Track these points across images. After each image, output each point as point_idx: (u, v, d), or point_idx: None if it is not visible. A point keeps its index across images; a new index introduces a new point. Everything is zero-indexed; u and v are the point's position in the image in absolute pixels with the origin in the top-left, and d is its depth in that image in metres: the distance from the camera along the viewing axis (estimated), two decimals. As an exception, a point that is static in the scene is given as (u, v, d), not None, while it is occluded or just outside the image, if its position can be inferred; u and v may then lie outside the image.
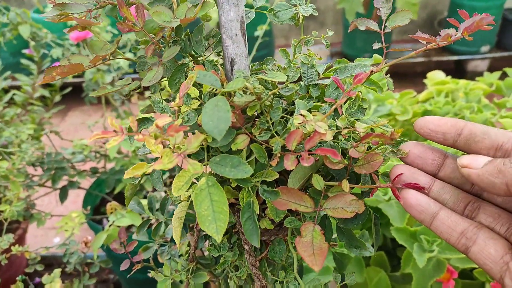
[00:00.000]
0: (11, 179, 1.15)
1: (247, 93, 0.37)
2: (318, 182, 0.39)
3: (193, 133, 0.44)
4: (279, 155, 0.37)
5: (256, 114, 0.40)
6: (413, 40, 3.17)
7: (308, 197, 0.39)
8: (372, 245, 0.48)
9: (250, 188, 0.40)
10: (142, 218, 1.06)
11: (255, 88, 0.36)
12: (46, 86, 1.67)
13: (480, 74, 2.89)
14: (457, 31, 0.39)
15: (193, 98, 0.42)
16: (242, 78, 0.37)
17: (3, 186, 1.24)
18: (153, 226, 0.61)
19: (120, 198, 1.55)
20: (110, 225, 0.96)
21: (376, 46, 0.42)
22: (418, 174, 0.39)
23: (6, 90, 1.62)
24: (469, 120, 1.10)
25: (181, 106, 0.36)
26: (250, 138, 0.39)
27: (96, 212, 1.54)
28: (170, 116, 0.41)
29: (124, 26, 0.42)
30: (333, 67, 0.49)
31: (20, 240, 1.64)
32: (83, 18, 0.46)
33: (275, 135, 0.38)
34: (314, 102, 0.43)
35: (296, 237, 0.37)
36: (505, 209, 0.37)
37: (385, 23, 0.43)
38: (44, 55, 1.63)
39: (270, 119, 0.38)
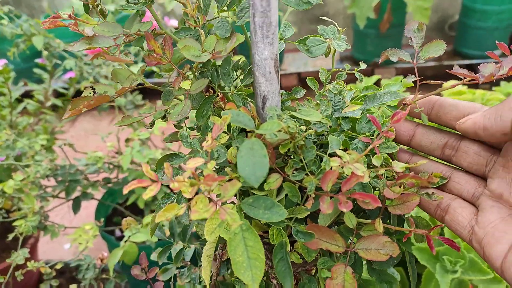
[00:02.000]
0: (26, 192, 1.15)
1: (281, 132, 0.36)
2: (350, 220, 0.38)
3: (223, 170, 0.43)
4: (314, 195, 0.36)
5: (287, 151, 0.39)
6: (424, 43, 3.15)
7: (339, 237, 0.38)
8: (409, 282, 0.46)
9: (281, 228, 0.39)
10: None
11: (289, 127, 0.35)
12: (58, 95, 1.67)
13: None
14: (497, 66, 0.38)
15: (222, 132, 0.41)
16: (276, 117, 0.36)
17: (17, 197, 1.24)
18: (174, 251, 0.60)
19: (132, 209, 1.55)
20: (125, 241, 0.96)
21: (410, 79, 0.41)
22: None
23: (18, 99, 1.62)
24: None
25: (213, 148, 0.35)
26: (283, 177, 0.38)
27: (108, 222, 1.54)
28: (198, 153, 0.41)
29: (152, 59, 0.41)
30: (361, 94, 0.48)
31: (33, 250, 1.64)
32: (110, 49, 0.45)
33: (309, 174, 0.37)
34: (344, 136, 0.42)
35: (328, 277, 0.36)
36: (472, 174, 0.40)
37: (417, 54, 0.42)
38: (57, 64, 1.63)
39: (304, 158, 0.37)
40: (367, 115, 0.38)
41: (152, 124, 0.50)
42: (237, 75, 0.44)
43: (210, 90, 0.47)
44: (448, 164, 0.42)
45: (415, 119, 0.44)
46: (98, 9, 0.45)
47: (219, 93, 0.45)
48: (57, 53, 1.51)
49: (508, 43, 2.89)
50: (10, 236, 1.03)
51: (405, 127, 0.42)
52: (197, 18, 0.44)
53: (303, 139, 0.36)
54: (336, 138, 0.38)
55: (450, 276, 0.75)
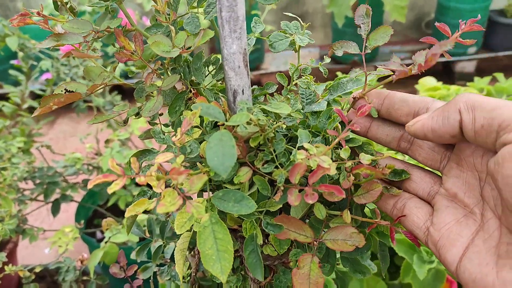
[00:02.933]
0: (2, 195, 1.13)
1: (251, 125, 0.37)
2: (320, 211, 0.39)
3: (193, 167, 0.43)
4: (283, 188, 0.37)
5: (258, 145, 0.40)
6: (401, 42, 3.20)
7: (308, 227, 0.38)
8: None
9: (254, 220, 0.40)
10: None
11: (259, 120, 0.36)
12: (36, 97, 1.64)
13: (468, 75, 2.93)
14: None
15: (194, 127, 0.42)
16: (246, 110, 0.36)
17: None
18: (153, 249, 0.60)
19: (113, 210, 1.53)
20: (106, 242, 0.95)
21: (353, 74, 0.42)
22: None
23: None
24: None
25: (184, 143, 0.35)
26: (253, 170, 0.38)
27: (89, 224, 1.52)
28: (171, 149, 0.41)
29: (122, 56, 0.41)
30: (329, 86, 0.49)
31: (11, 255, 1.61)
32: (79, 47, 0.45)
33: (279, 167, 0.37)
34: (312, 130, 0.43)
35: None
36: (428, 172, 0.39)
37: (365, 43, 0.41)
38: (33, 66, 1.61)
39: (274, 150, 0.37)
40: (334, 108, 0.39)
41: (125, 121, 0.50)
42: (208, 71, 0.44)
43: (183, 86, 0.48)
44: (406, 161, 0.41)
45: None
46: (67, 6, 0.45)
47: (191, 89, 0.45)
48: (33, 54, 1.48)
49: (483, 40, 2.96)
50: (-14, 241, 1.01)
51: (361, 119, 0.41)
52: (168, 14, 0.44)
53: (274, 131, 0.36)
54: (305, 132, 0.39)
55: (427, 266, 0.76)
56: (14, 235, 1.06)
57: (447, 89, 1.33)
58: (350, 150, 0.38)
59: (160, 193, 0.34)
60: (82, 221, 1.22)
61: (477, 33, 2.76)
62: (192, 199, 0.33)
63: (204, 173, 0.32)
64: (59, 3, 0.44)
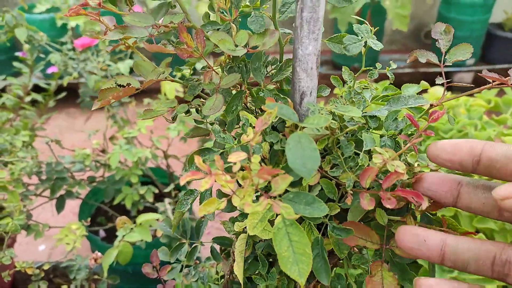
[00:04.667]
0: (10, 190, 1.10)
1: (322, 127, 0.36)
2: (382, 217, 0.39)
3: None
4: (351, 192, 0.37)
5: (323, 148, 0.39)
6: (400, 50, 3.23)
7: (374, 233, 0.38)
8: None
9: (312, 224, 0.39)
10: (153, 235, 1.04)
11: (331, 122, 0.35)
12: (39, 90, 1.62)
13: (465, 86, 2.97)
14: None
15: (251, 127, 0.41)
16: (317, 112, 0.36)
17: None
18: (187, 250, 0.59)
19: (117, 208, 1.51)
20: (120, 241, 0.93)
21: (438, 81, 0.42)
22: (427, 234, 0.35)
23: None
24: (474, 137, 1.13)
25: (259, 142, 0.35)
26: (320, 173, 0.38)
27: (92, 222, 1.50)
28: (235, 149, 0.40)
29: (184, 52, 0.40)
30: (382, 95, 0.49)
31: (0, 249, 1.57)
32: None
33: (347, 171, 0.37)
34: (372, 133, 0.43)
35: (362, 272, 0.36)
36: None
37: (444, 56, 0.43)
38: (38, 58, 1.58)
39: (342, 154, 0.37)
40: (405, 114, 0.39)
41: (174, 118, 0.50)
42: (267, 71, 0.44)
43: (237, 85, 0.47)
44: None
45: (456, 172, 0.37)
46: (125, -1, 0.44)
47: (247, 89, 0.45)
48: (39, 46, 1.45)
49: (481, 53, 3.01)
50: (-6, 236, 0.99)
51: (446, 185, 0.35)
52: (227, 12, 0.43)
53: (344, 134, 0.36)
54: (369, 136, 0.39)
55: (447, 275, 0.77)
56: (19, 231, 1.03)
57: (456, 100, 1.34)
58: (416, 156, 0.38)
59: (224, 193, 0.34)
60: (89, 219, 1.19)
61: (475, 45, 2.81)
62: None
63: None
64: (118, -5, 0.43)
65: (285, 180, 0.31)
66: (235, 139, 0.42)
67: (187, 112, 0.48)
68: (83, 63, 1.48)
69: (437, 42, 0.44)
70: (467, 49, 0.42)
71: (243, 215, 0.45)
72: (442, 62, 0.43)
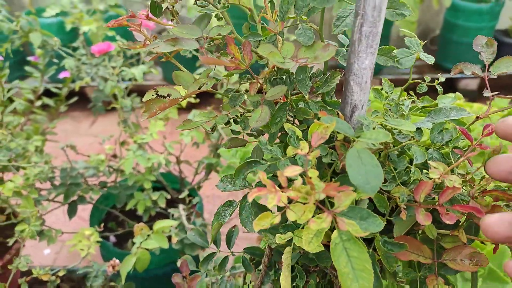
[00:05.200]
0: (24, 195, 1.10)
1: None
2: (431, 231, 0.39)
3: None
4: (405, 206, 0.36)
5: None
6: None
7: (426, 248, 0.38)
8: None
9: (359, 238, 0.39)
10: (169, 238, 1.03)
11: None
12: (51, 95, 1.61)
13: (471, 92, 2.98)
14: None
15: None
16: (372, 126, 0.36)
17: (8, 201, 1.18)
18: (217, 260, 0.59)
19: (128, 213, 1.51)
20: (137, 247, 0.93)
21: (486, 94, 0.42)
22: None
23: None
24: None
25: (316, 156, 0.34)
26: (371, 187, 0.37)
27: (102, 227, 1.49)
28: (283, 162, 0.40)
29: (232, 64, 0.40)
30: (420, 106, 0.48)
31: (16, 255, 1.56)
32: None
33: (400, 185, 0.37)
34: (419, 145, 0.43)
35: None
36: None
37: (488, 69, 0.43)
38: (50, 63, 1.57)
39: (395, 168, 0.37)
40: (457, 127, 0.38)
41: (213, 129, 0.49)
42: (312, 83, 0.43)
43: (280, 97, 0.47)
44: None
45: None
46: (171, 9, 0.44)
47: (290, 101, 0.44)
48: (52, 50, 1.45)
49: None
50: (11, 242, 0.98)
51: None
52: (275, 24, 0.43)
53: (398, 149, 0.36)
54: (419, 149, 0.39)
55: (470, 284, 0.76)
56: (35, 237, 1.03)
57: (470, 107, 1.35)
58: (466, 167, 0.38)
59: (279, 206, 0.33)
60: (102, 225, 1.19)
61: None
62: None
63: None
64: (165, 6, 0.43)
65: (349, 197, 0.30)
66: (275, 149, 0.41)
67: (227, 123, 0.48)
68: (95, 68, 1.48)
69: (479, 55, 0.44)
70: (510, 61, 0.42)
71: (285, 227, 0.45)
72: (486, 74, 0.43)
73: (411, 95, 0.45)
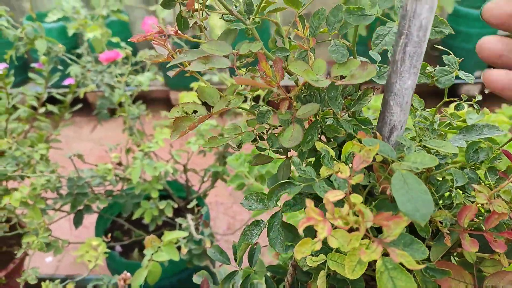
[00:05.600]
0: (31, 206, 1.08)
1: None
2: (471, 255, 0.38)
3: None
4: (448, 232, 0.35)
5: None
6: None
7: (467, 273, 0.37)
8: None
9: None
10: (179, 248, 1.01)
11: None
12: (55, 102, 1.60)
13: (472, 97, 2.98)
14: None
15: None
16: (413, 149, 0.34)
17: (14, 212, 1.16)
18: (241, 278, 0.57)
19: (134, 222, 1.49)
20: (149, 260, 0.91)
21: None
22: None
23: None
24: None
25: (360, 181, 0.33)
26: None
27: (107, 235, 1.47)
28: (318, 184, 0.39)
29: (267, 86, 0.39)
30: (452, 124, 0.47)
31: (20, 264, 1.54)
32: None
33: (442, 209, 0.35)
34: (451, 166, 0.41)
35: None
36: None
37: None
38: (54, 69, 1.56)
39: (436, 191, 0.36)
40: (501, 149, 0.37)
41: (239, 146, 0.48)
42: (343, 101, 0.42)
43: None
44: None
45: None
46: (198, 24, 0.42)
47: (321, 119, 0.43)
48: (56, 57, 1.44)
49: (487, 66, 3.01)
50: (18, 253, 0.96)
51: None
52: (304, 40, 0.42)
53: (442, 173, 0.35)
54: (459, 171, 0.38)
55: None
56: (44, 249, 1.01)
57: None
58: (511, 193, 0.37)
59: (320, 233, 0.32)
60: (110, 235, 1.17)
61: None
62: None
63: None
64: (193, 22, 0.42)
65: (399, 225, 0.29)
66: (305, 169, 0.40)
67: (254, 140, 0.47)
68: (100, 75, 1.47)
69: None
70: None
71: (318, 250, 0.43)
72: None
73: (445, 114, 0.44)
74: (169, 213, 1.29)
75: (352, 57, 0.39)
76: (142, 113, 1.50)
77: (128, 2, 3.02)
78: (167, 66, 0.43)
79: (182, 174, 1.48)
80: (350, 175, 0.33)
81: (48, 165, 1.22)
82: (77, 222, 1.27)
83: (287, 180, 0.39)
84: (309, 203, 0.29)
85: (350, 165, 0.36)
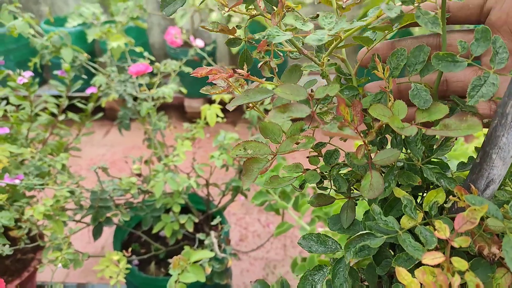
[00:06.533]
0: (54, 219, 1.06)
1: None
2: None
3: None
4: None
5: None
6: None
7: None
8: None
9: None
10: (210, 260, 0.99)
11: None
12: (77, 110, 1.58)
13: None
14: None
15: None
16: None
17: (36, 224, 1.14)
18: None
19: (151, 234, 1.47)
20: (175, 281, 0.89)
21: None
22: None
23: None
24: None
25: (466, 246, 0.31)
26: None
27: (124, 247, 1.45)
28: (404, 237, 0.36)
29: (359, 137, 0.37)
30: None
31: (34, 273, 1.52)
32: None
33: None
34: None
35: None
36: None
37: None
38: (76, 78, 1.55)
39: None
40: None
41: (302, 187, 0.46)
42: (423, 146, 0.40)
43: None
44: None
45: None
46: (269, 64, 0.40)
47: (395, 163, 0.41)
48: (80, 65, 1.43)
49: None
50: (41, 269, 0.94)
51: None
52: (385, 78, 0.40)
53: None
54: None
55: None
56: (68, 266, 0.99)
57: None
58: None
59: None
60: (130, 249, 1.15)
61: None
62: None
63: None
64: (260, 60, 0.40)
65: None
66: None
67: (320, 182, 0.45)
68: (123, 85, 1.45)
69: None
70: None
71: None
72: None
73: None
74: (190, 228, 1.27)
75: (438, 101, 0.37)
76: (164, 122, 1.48)
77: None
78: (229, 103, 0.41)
79: (203, 188, 1.46)
80: (450, 236, 0.30)
81: (71, 176, 1.21)
82: (96, 233, 1.25)
83: (367, 232, 0.37)
84: (422, 274, 0.26)
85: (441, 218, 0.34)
